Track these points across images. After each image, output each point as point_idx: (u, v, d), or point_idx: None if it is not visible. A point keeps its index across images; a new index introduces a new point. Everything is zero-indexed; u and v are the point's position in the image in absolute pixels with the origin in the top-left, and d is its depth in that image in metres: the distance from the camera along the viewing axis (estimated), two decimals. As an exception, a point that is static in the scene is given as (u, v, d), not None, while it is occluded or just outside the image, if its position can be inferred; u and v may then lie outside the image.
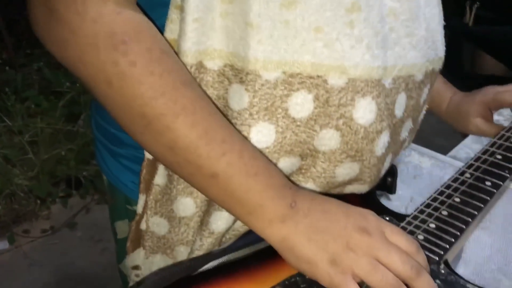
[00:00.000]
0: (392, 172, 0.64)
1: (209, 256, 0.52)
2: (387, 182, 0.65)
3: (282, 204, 0.46)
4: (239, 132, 0.49)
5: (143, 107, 0.44)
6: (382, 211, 0.56)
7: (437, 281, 0.47)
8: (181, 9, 0.47)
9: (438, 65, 0.60)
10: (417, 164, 0.75)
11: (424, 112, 0.64)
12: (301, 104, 0.48)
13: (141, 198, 0.57)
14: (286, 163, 0.51)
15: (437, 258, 0.49)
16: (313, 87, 0.47)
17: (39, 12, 0.44)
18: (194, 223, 0.55)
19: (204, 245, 0.54)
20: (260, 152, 0.49)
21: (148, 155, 0.54)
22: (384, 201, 0.65)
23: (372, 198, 0.60)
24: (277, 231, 0.46)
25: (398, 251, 0.44)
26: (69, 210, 2.01)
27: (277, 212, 0.46)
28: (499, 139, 0.67)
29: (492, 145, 0.65)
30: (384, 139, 0.52)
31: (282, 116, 0.48)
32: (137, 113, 0.44)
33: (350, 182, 0.55)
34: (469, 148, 0.85)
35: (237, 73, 0.47)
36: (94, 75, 0.44)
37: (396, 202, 0.66)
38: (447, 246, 0.51)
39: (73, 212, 2.00)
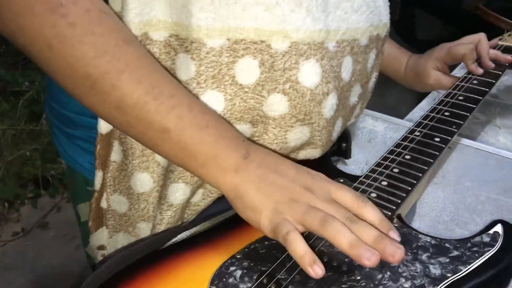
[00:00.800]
0: (345, 137, 0.66)
1: (171, 231, 0.53)
2: (342, 147, 0.67)
3: (235, 154, 0.47)
4: None
5: (86, 67, 0.43)
6: (337, 175, 0.58)
7: None
8: None
9: (383, 31, 0.61)
10: (371, 129, 0.77)
11: (374, 79, 0.66)
12: (247, 70, 0.49)
13: (98, 175, 0.57)
14: None
15: (389, 213, 0.50)
16: (257, 52, 0.48)
17: None
18: (153, 198, 0.55)
19: (164, 218, 0.54)
20: (210, 108, 0.49)
21: (101, 130, 0.54)
22: (340, 166, 0.66)
23: (326, 163, 0.61)
24: (230, 180, 0.46)
25: (335, 206, 0.44)
26: (39, 210, 1.98)
27: (230, 162, 0.46)
28: (446, 97, 0.69)
29: (439, 103, 0.68)
30: (331, 101, 0.53)
31: (230, 83, 0.49)
32: (81, 74, 0.44)
33: (302, 147, 0.56)
34: (424, 111, 0.88)
35: (182, 42, 0.47)
36: (33, 40, 0.43)
37: (352, 166, 0.68)
38: (399, 201, 0.52)
39: (43, 212, 1.97)
